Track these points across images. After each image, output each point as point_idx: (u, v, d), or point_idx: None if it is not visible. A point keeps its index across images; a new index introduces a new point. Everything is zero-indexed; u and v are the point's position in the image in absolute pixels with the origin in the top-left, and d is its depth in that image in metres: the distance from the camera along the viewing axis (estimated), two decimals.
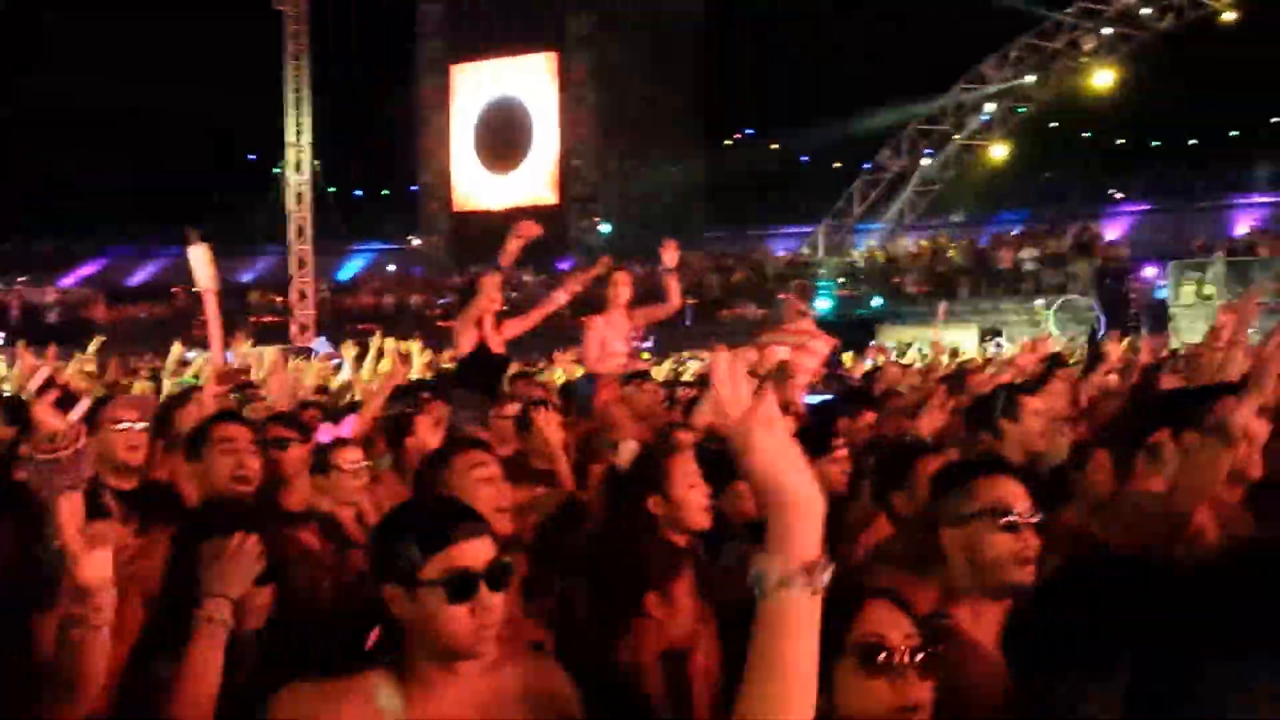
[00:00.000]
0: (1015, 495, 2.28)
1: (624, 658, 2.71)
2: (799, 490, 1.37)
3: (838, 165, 30.86)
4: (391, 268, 38.04)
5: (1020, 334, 18.30)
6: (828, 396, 6.97)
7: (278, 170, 26.96)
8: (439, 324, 22.42)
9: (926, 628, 1.77)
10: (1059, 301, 21.12)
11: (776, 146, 32.78)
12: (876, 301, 24.94)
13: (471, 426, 5.01)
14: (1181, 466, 3.02)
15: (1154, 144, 28.54)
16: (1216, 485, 2.92)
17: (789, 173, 32.94)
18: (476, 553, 1.89)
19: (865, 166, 29.59)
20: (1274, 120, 26.16)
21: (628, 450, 3.22)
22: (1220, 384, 3.59)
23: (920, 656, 1.73)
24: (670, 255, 6.92)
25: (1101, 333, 18.87)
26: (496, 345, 6.23)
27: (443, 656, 1.88)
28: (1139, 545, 2.94)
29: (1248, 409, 2.85)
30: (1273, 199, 27.00)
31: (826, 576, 1.36)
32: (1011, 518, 2.24)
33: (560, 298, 6.92)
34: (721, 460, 3.72)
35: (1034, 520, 2.25)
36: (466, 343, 6.13)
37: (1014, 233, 26.92)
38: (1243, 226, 26.81)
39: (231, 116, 31.01)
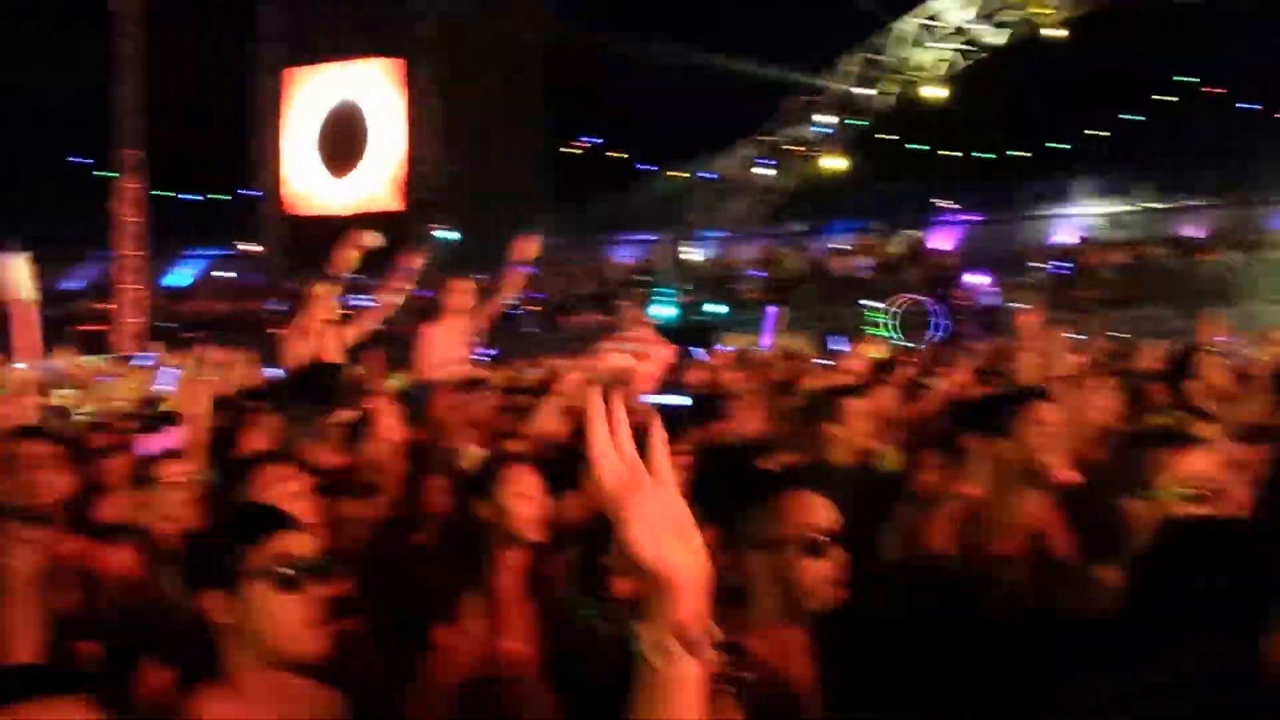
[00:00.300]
0: (821, 514, 2.21)
1: (419, 689, 2.64)
2: (674, 567, 1.26)
3: (679, 175, 31.27)
4: (224, 274, 36.78)
5: (857, 339, 18.83)
6: (681, 400, 6.98)
7: (106, 174, 25.79)
8: (271, 331, 21.77)
9: (732, 655, 1.73)
10: (895, 307, 21.87)
11: (619, 155, 33.05)
12: (716, 308, 25.35)
13: (305, 439, 4.87)
14: (991, 470, 3.12)
15: (983, 156, 29.84)
16: (1025, 486, 3.01)
17: (631, 181, 33.25)
18: (300, 543, 1.83)
19: (705, 176, 30.08)
20: (1091, 133, 27.67)
21: (470, 457, 3.19)
22: (1024, 388, 3.75)
23: (728, 686, 1.62)
24: (525, 248, 6.86)
25: (937, 338, 19.67)
26: (332, 355, 6.08)
27: (271, 657, 1.80)
28: (958, 546, 3.05)
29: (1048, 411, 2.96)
30: (1094, 210, 28.62)
31: (711, 652, 1.29)
32: (819, 540, 2.15)
33: (391, 299, 6.78)
34: (558, 468, 3.72)
35: (837, 536, 2.17)
36: (298, 353, 5.96)
37: (850, 241, 27.80)
38: (1066, 236, 28.41)
39: (59, 119, 29.51)
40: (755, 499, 2.28)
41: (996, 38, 25.70)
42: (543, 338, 20.38)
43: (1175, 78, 26.09)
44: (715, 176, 29.88)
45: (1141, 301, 22.14)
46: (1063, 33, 24.81)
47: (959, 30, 25.90)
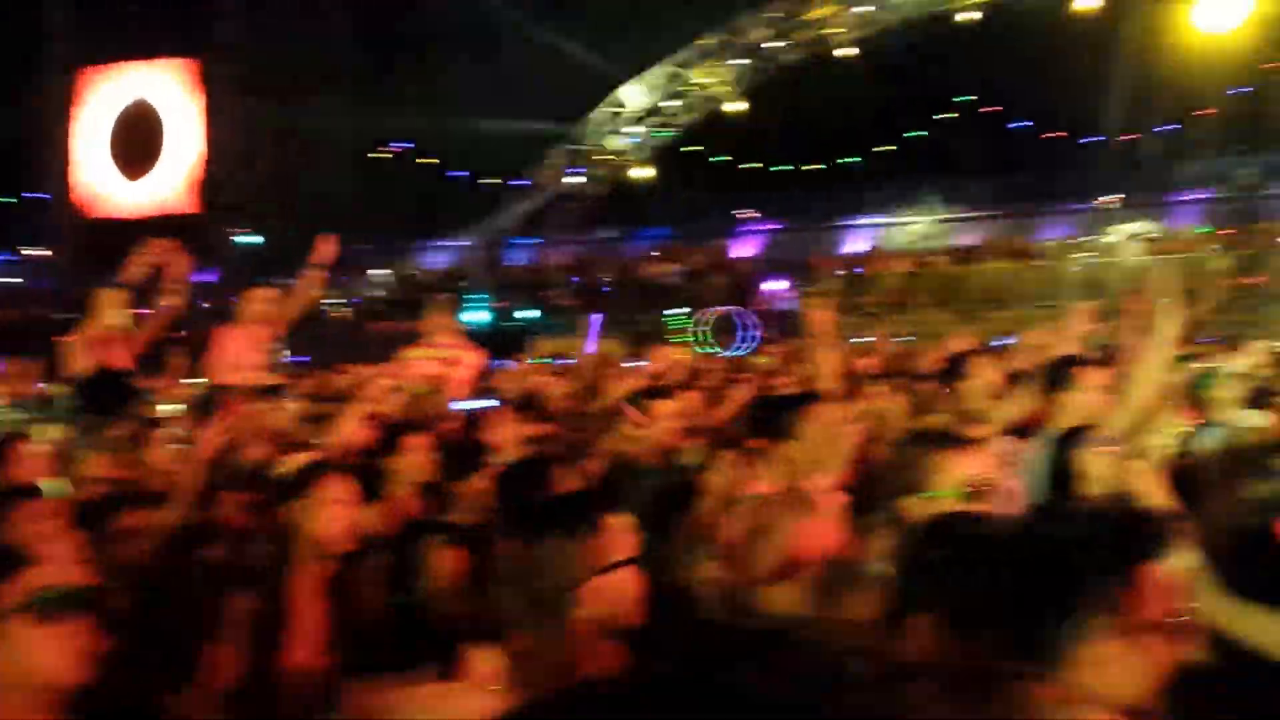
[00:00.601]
0: (623, 540, 2.28)
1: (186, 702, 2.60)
2: None
3: (491, 180, 31.10)
4: (10, 280, 34.30)
5: (666, 345, 19.16)
6: (489, 403, 6.97)
7: None
8: (57, 339, 20.42)
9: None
10: (706, 318, 22.29)
11: (430, 160, 32.56)
12: (528, 314, 25.34)
13: (90, 449, 4.66)
14: (780, 471, 3.25)
15: (781, 169, 30.82)
16: (809, 488, 3.14)
17: (442, 187, 32.81)
18: (57, 573, 1.78)
19: (517, 183, 30.04)
20: (879, 150, 29.01)
21: (287, 465, 3.13)
22: (808, 391, 3.93)
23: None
24: (324, 251, 6.71)
25: (743, 343, 20.23)
26: (121, 363, 5.82)
27: (35, 694, 1.74)
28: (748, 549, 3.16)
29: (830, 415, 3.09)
30: (882, 221, 30.05)
31: None
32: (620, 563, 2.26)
33: (171, 303, 6.51)
34: (362, 476, 3.68)
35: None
36: (84, 362, 5.68)
37: (657, 249, 28.32)
38: (858, 245, 29.76)
39: None
40: (555, 527, 2.30)
41: (790, 55, 26.70)
42: (350, 344, 19.88)
43: (955, 98, 27.67)
44: (528, 183, 29.87)
45: (922, 306, 23.43)
46: (854, 51, 25.99)
47: (755, 48, 26.80)
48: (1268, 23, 22.14)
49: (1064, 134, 26.86)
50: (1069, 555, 1.83)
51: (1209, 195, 26.82)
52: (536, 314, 25.34)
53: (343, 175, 33.34)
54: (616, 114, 28.48)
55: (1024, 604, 1.84)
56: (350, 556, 3.04)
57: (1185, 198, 27.13)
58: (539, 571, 2.24)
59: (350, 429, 4.62)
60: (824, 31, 26.22)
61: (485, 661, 1.71)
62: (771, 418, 3.42)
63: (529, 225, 30.10)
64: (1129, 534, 1.88)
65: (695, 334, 21.29)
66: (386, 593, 2.92)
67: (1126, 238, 24.23)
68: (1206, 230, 24.75)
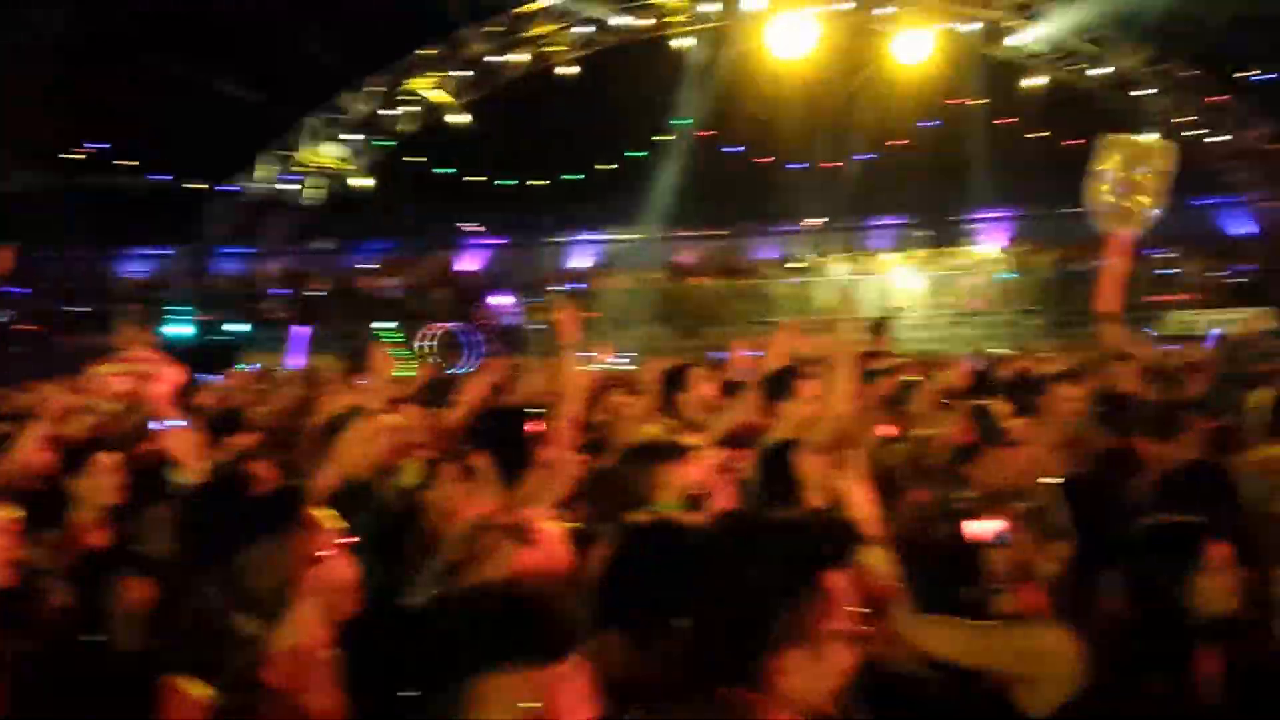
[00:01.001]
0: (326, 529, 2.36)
1: None
2: None
3: (198, 186, 29.31)
4: None
5: (390, 359, 18.67)
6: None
7: None
8: None
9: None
10: (430, 335, 21.88)
11: (133, 164, 30.32)
12: (237, 327, 24.12)
13: None
14: (498, 488, 3.21)
15: (506, 183, 30.74)
16: (532, 508, 3.11)
17: (147, 193, 30.62)
18: None
19: (225, 189, 28.46)
20: (602, 167, 29.51)
21: None
22: (531, 406, 3.92)
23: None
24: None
25: (468, 360, 20.03)
26: None
27: None
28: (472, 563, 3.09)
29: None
30: (604, 238, 30.65)
31: None
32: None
33: None
34: (41, 502, 3.35)
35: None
36: None
37: (378, 261, 27.61)
38: (581, 261, 30.20)
39: None
40: (261, 529, 2.35)
41: (511, 71, 26.80)
42: (34, 357, 18.19)
43: (673, 120, 28.60)
44: (238, 190, 28.35)
45: (643, 322, 24.11)
46: (575, 70, 26.39)
47: (475, 60, 26.70)
48: (951, 61, 24.34)
49: (772, 159, 28.27)
50: (753, 566, 1.85)
51: (904, 221, 29.08)
52: (248, 327, 24.13)
53: (36, 175, 30.55)
54: (334, 120, 27.60)
55: (711, 617, 1.86)
56: (9, 593, 2.75)
57: (884, 222, 29.31)
58: (254, 574, 2.29)
59: (29, 450, 4.21)
60: (547, 49, 26.49)
61: (190, 693, 1.62)
62: (496, 432, 3.38)
63: (241, 235, 28.59)
64: (813, 543, 1.91)
65: (421, 350, 20.91)
66: (73, 629, 2.68)
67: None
68: (903, 253, 26.78)
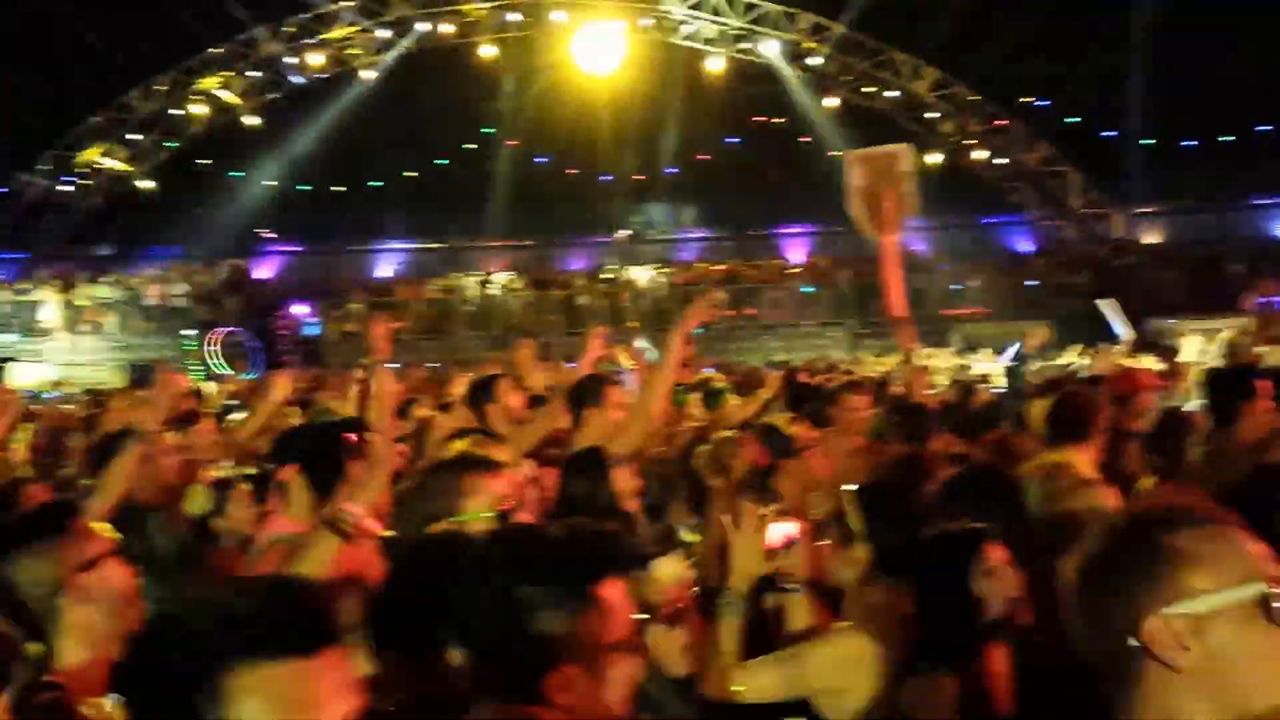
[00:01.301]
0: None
1: None
2: None
3: None
4: None
5: (183, 369, 17.79)
6: None
7: None
8: None
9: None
10: (213, 342, 20.79)
11: None
12: (6, 338, 22.43)
13: None
14: (309, 503, 3.07)
15: (303, 189, 29.68)
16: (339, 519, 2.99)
17: None
18: None
19: None
20: (407, 174, 28.92)
21: None
22: (348, 420, 3.79)
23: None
24: None
25: (252, 364, 19.26)
26: None
27: None
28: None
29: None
30: (408, 245, 30.07)
31: None
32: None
33: None
34: None
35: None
36: None
37: (165, 268, 26.10)
38: (384, 270, 29.52)
39: None
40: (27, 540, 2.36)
41: (310, 73, 25.96)
42: None
43: (482, 129, 28.35)
44: (3, 190, 26.33)
45: (451, 332, 23.80)
46: (373, 74, 25.78)
47: (268, 63, 25.76)
48: (753, 81, 25.11)
49: (576, 171, 28.40)
50: (524, 581, 1.82)
51: (710, 234, 29.76)
52: (15, 338, 22.47)
53: None
54: (118, 120, 26.04)
55: (484, 633, 1.83)
56: None
57: (692, 235, 29.93)
58: (23, 583, 2.29)
59: None
60: (348, 52, 25.78)
61: None
62: (302, 447, 3.26)
63: (12, 240, 26.54)
64: (586, 555, 1.90)
65: (206, 359, 19.94)
66: None
67: None
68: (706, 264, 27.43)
